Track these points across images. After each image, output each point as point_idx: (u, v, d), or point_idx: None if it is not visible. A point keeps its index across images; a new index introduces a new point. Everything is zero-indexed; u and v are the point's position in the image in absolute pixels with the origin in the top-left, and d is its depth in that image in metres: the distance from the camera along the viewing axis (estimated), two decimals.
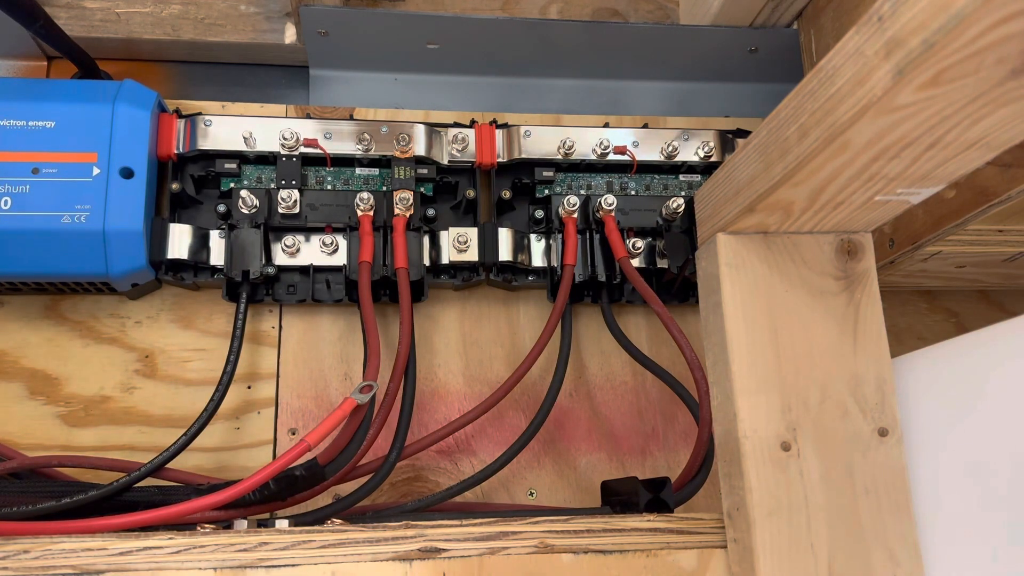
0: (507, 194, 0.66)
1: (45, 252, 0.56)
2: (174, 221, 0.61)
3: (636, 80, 0.78)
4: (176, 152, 0.62)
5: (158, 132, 0.62)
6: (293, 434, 0.62)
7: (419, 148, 0.64)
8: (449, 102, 0.75)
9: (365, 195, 0.62)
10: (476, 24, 0.71)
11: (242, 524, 0.50)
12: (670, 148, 0.67)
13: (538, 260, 0.65)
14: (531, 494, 0.64)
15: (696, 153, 0.67)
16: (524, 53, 0.74)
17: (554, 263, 0.65)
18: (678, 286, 0.66)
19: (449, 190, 0.67)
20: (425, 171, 0.64)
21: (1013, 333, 0.43)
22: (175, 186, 0.62)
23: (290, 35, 0.70)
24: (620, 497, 0.57)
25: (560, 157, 0.66)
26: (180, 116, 0.63)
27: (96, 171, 0.58)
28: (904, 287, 0.76)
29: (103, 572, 0.44)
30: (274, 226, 0.62)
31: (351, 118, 0.68)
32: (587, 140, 0.66)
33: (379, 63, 0.74)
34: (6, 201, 0.56)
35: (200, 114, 0.63)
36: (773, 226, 0.49)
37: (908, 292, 0.78)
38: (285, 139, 0.62)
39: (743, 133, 0.70)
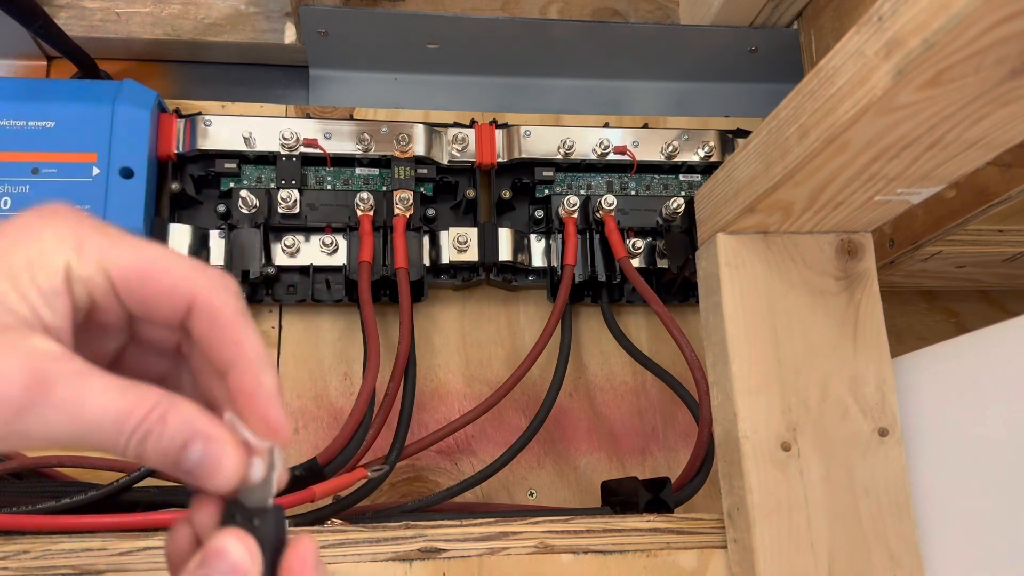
0: (507, 194, 0.66)
1: None
2: (174, 221, 0.61)
3: (636, 80, 0.78)
4: (176, 152, 0.62)
5: (158, 132, 0.62)
6: (294, 434, 0.62)
7: (419, 148, 0.64)
8: (449, 102, 0.75)
9: (365, 195, 0.62)
10: (476, 24, 0.71)
11: None
12: (670, 148, 0.67)
13: (538, 260, 0.65)
14: (531, 494, 0.64)
15: (696, 153, 0.67)
16: (524, 53, 0.74)
17: (554, 263, 0.65)
18: (678, 286, 0.66)
19: (449, 190, 0.67)
20: (425, 171, 0.64)
21: (1013, 333, 0.43)
22: (175, 186, 0.62)
23: (290, 35, 0.70)
24: (620, 497, 0.57)
25: (560, 157, 0.66)
26: (180, 116, 0.63)
27: (96, 171, 0.58)
28: (904, 287, 0.76)
29: (103, 572, 0.44)
30: (274, 226, 0.62)
31: (351, 118, 0.68)
32: (587, 140, 0.66)
33: (379, 63, 0.74)
34: (6, 201, 0.56)
35: (200, 114, 0.63)
36: (773, 226, 0.49)
37: (908, 292, 0.78)
38: (285, 139, 0.62)
39: (743, 133, 0.70)
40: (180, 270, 0.24)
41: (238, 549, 0.24)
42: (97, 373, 0.22)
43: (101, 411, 0.22)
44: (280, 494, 0.49)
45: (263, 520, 0.25)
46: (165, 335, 0.26)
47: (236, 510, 0.25)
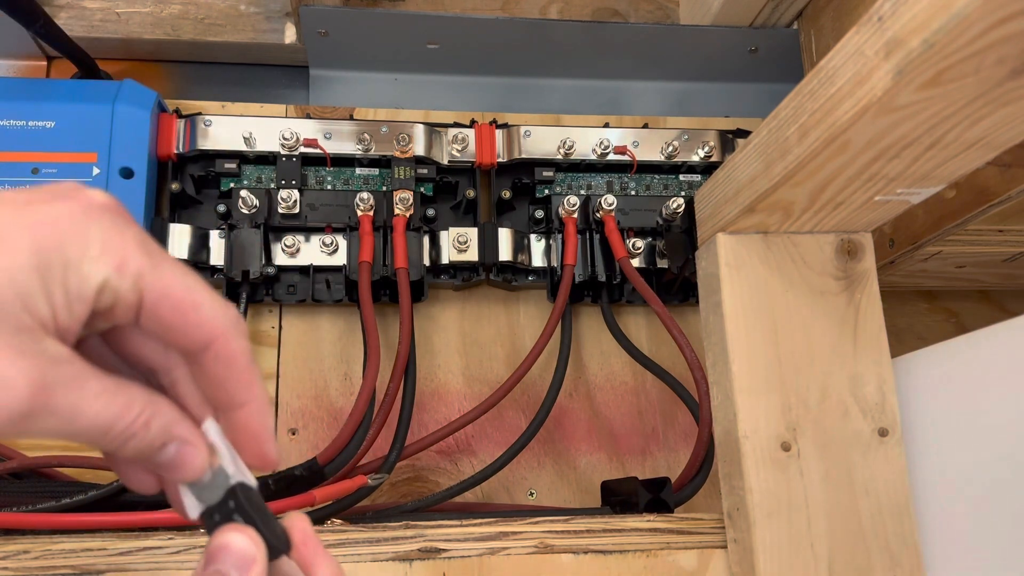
0: (507, 194, 0.66)
1: None
2: (174, 221, 0.61)
3: (636, 80, 0.78)
4: (176, 152, 0.62)
5: (158, 132, 0.62)
6: (293, 434, 0.62)
7: (419, 148, 0.64)
8: (449, 102, 0.75)
9: (365, 195, 0.62)
10: (476, 24, 0.71)
11: None
12: (670, 148, 0.67)
13: (538, 260, 0.65)
14: (531, 494, 0.64)
15: (696, 153, 0.67)
16: (524, 53, 0.74)
17: (554, 263, 0.65)
18: (678, 286, 0.66)
19: (449, 190, 0.67)
20: (425, 171, 0.64)
21: (1013, 333, 0.43)
22: (175, 186, 0.62)
23: (290, 35, 0.70)
24: (620, 497, 0.57)
25: (560, 157, 0.66)
26: (180, 116, 0.63)
27: (96, 171, 0.58)
28: (904, 287, 0.76)
29: (103, 572, 0.44)
30: (274, 226, 0.62)
31: (351, 118, 0.68)
32: (587, 140, 0.66)
33: (379, 63, 0.74)
34: None
35: (200, 114, 0.63)
36: (773, 226, 0.49)
37: (908, 292, 0.78)
38: (285, 139, 0.62)
39: (743, 133, 0.70)
40: (210, 308, 0.25)
41: (240, 539, 0.25)
42: (92, 376, 0.23)
43: (94, 417, 0.23)
44: (280, 496, 0.49)
45: (237, 500, 0.26)
46: (144, 352, 0.27)
47: (213, 512, 0.26)
